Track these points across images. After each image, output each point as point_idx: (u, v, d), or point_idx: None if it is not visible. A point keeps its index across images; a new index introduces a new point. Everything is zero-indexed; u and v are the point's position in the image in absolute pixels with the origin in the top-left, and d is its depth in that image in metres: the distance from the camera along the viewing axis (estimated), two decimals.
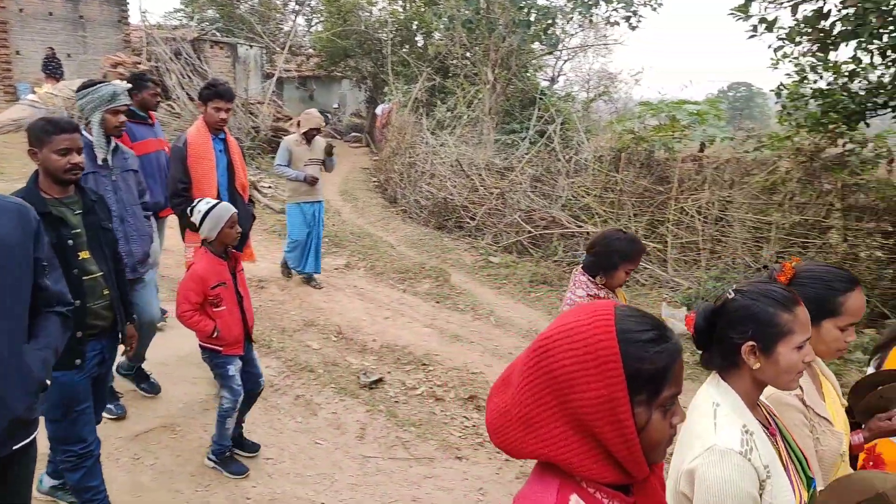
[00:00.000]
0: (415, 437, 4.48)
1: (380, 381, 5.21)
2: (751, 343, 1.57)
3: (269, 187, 11.61)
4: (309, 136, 6.77)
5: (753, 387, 1.62)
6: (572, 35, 15.34)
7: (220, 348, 3.62)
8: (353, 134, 20.00)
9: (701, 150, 9.11)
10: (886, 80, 6.43)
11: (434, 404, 4.98)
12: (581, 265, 3.01)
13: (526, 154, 10.19)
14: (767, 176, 8.01)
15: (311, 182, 6.81)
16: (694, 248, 8.11)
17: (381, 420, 4.66)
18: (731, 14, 6.63)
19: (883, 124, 7.62)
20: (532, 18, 11.58)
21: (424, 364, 5.62)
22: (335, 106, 23.21)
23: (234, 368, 3.70)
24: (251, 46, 18.57)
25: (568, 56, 16.24)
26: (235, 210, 3.62)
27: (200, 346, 3.67)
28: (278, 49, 19.51)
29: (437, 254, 9.24)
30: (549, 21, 12.40)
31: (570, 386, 1.09)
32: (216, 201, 3.65)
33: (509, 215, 9.51)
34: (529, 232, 9.15)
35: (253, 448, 4.03)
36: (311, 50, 22.35)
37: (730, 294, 1.62)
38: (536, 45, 14.17)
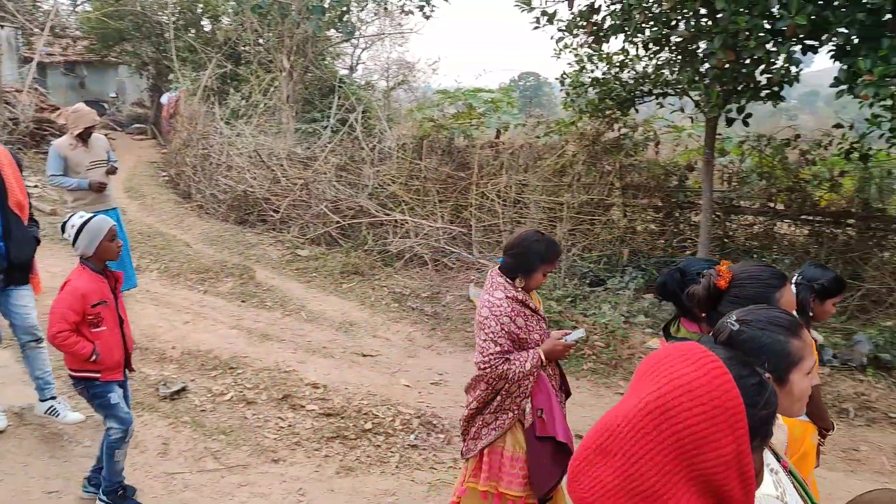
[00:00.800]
0: (225, 446, 4.16)
1: (182, 390, 4.78)
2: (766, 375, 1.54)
3: (36, 186, 10.19)
4: (84, 136, 5.82)
5: None
6: (368, 23, 15.32)
7: (98, 374, 3.23)
8: (137, 125, 18.26)
9: (497, 137, 9.53)
10: (650, 70, 7.14)
11: (245, 408, 4.67)
12: (498, 267, 2.95)
13: (328, 143, 9.96)
14: (557, 159, 8.58)
15: (98, 189, 5.84)
16: (496, 230, 8.48)
17: (186, 432, 4.27)
18: (517, 6, 6.95)
19: (650, 110, 8.49)
20: (326, 4, 11.32)
21: (232, 367, 5.25)
22: (112, 95, 21.03)
23: (117, 395, 3.32)
24: (2, 27, 16.15)
25: (366, 44, 16.21)
26: (113, 222, 3.32)
27: (72, 376, 3.28)
28: (37, 30, 17.18)
29: (239, 250, 8.72)
30: (344, 8, 12.22)
31: (699, 447, 0.98)
32: (90, 214, 3.31)
33: (315, 206, 9.24)
34: (337, 222, 8.97)
35: None
36: (78, 32, 19.97)
37: (733, 325, 1.50)
38: (333, 33, 13.91)
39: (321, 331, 6.39)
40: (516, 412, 2.81)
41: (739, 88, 5.90)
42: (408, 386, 5.43)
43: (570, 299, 7.00)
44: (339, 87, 11.56)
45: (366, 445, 4.36)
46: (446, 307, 7.15)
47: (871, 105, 7.10)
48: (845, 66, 5.10)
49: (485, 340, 2.75)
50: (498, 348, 2.73)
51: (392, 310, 7.08)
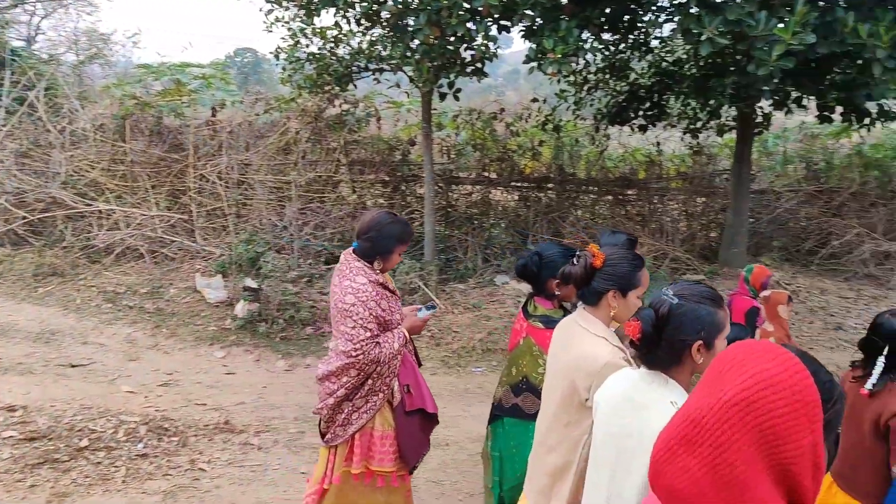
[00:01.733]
0: None
1: None
2: (700, 342, 1.69)
3: None
4: None
5: (689, 380, 1.74)
6: None
7: None
8: None
9: (213, 115, 8.92)
10: (364, 46, 7.23)
11: None
12: (353, 250, 2.83)
13: (2, 126, 8.41)
14: (280, 137, 8.32)
15: None
16: (220, 215, 7.97)
17: None
18: None
19: (369, 86, 8.65)
20: None
21: None
22: None
23: None
24: None
25: (45, 11, 13.98)
26: None
27: None
28: None
29: None
30: None
31: (780, 438, 1.04)
32: None
33: None
34: (24, 217, 7.65)
35: None
36: None
37: (672, 300, 1.70)
38: None
39: (14, 345, 5.42)
40: (386, 392, 2.84)
41: (447, 64, 6.25)
42: (131, 392, 4.86)
43: (306, 279, 6.87)
44: (13, 60, 9.81)
45: (83, 465, 3.79)
46: (171, 302, 6.55)
47: (558, 81, 8.08)
48: (533, 46, 5.67)
49: (353, 328, 2.70)
50: (368, 333, 2.71)
51: (104, 311, 6.27)
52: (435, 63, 6.08)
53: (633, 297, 2.20)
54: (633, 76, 8.30)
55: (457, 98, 6.80)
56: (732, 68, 6.36)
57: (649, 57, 8.12)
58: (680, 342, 1.70)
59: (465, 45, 6.02)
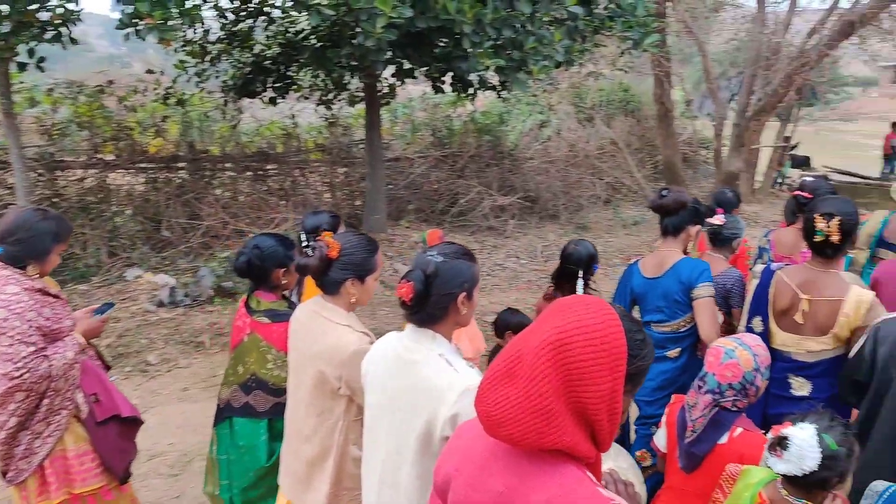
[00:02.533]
0: None
1: None
2: (464, 293, 1.86)
3: None
4: None
5: (452, 331, 1.93)
6: None
7: None
8: None
9: None
10: None
11: None
12: None
13: None
14: None
15: None
16: None
17: None
18: None
19: None
20: None
21: None
22: None
23: None
24: None
25: None
26: None
27: None
28: None
29: None
30: None
31: (583, 379, 1.18)
32: None
33: None
34: None
35: None
36: None
37: (437, 258, 1.84)
38: None
39: None
40: (70, 407, 2.57)
41: (19, 28, 5.18)
42: None
43: None
44: None
45: None
46: None
47: (175, 51, 7.35)
48: (128, 10, 4.98)
49: (11, 345, 2.38)
50: (32, 349, 2.41)
51: None
52: (3, 27, 4.99)
53: (371, 280, 2.28)
54: (258, 47, 7.99)
55: (41, 69, 5.71)
56: (352, 41, 6.48)
57: (272, 27, 7.88)
58: (447, 296, 1.84)
59: (39, 5, 5.04)
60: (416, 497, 1.84)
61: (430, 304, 1.84)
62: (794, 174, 17.90)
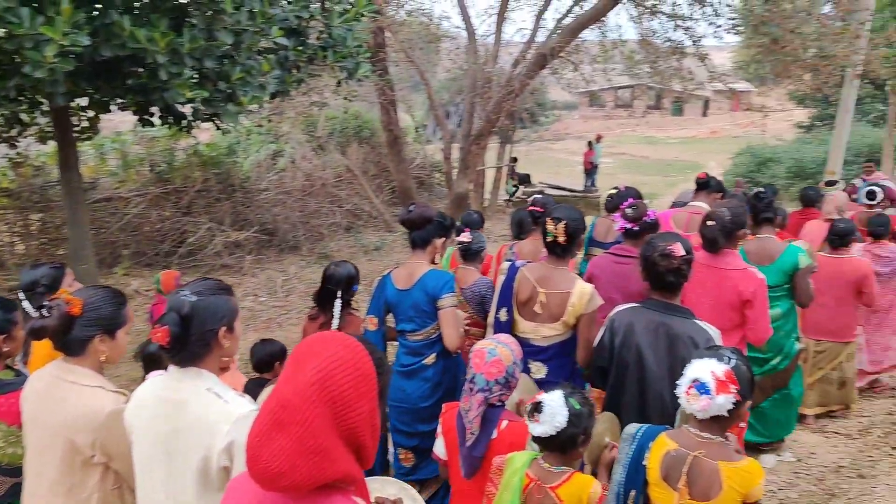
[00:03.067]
0: None
1: None
2: (224, 327, 1.89)
3: None
4: None
5: (218, 364, 1.94)
6: None
7: None
8: None
9: None
10: None
11: None
12: None
13: None
14: None
15: None
16: None
17: None
18: None
19: None
20: None
21: None
22: None
23: None
24: None
25: None
26: None
27: None
28: None
29: None
30: None
31: (348, 406, 1.29)
32: None
33: None
34: None
35: None
36: None
37: (191, 297, 1.84)
38: None
39: None
40: None
41: None
42: None
43: None
44: None
45: None
46: None
47: None
48: None
49: None
50: None
51: None
52: None
53: (122, 335, 2.16)
54: None
55: None
56: (20, 69, 5.55)
57: None
58: (209, 332, 1.85)
59: None
60: None
61: (192, 344, 1.85)
62: (519, 191, 19.72)
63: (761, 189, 4.56)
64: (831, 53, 8.74)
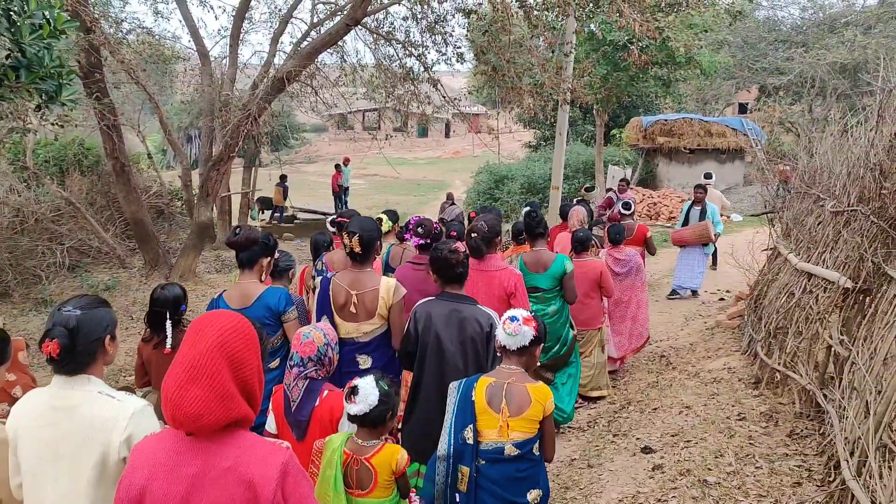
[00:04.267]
0: None
1: None
2: (109, 335, 2.16)
3: None
4: None
5: (103, 370, 2.22)
6: None
7: None
8: None
9: None
10: None
11: None
12: None
13: None
14: None
15: None
16: None
17: None
18: None
19: None
20: None
21: None
22: None
23: None
24: None
25: None
26: None
27: None
28: None
29: None
30: None
31: (242, 363, 1.67)
32: None
33: None
34: None
35: None
36: None
37: (75, 312, 2.09)
38: None
39: None
40: None
41: None
42: None
43: None
44: None
45: None
46: None
47: None
48: None
49: None
50: None
51: None
52: None
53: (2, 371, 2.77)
54: None
55: None
56: None
57: None
58: (95, 342, 2.12)
59: None
60: None
61: (80, 354, 2.09)
62: (268, 215, 19.11)
63: (532, 210, 5.27)
64: (542, 82, 9.79)
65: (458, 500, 2.82)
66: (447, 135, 50.02)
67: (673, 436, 4.55)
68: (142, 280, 10.56)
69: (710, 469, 3.88)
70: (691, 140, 19.64)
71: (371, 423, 2.64)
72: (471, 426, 2.81)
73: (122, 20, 11.44)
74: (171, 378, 1.63)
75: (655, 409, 5.27)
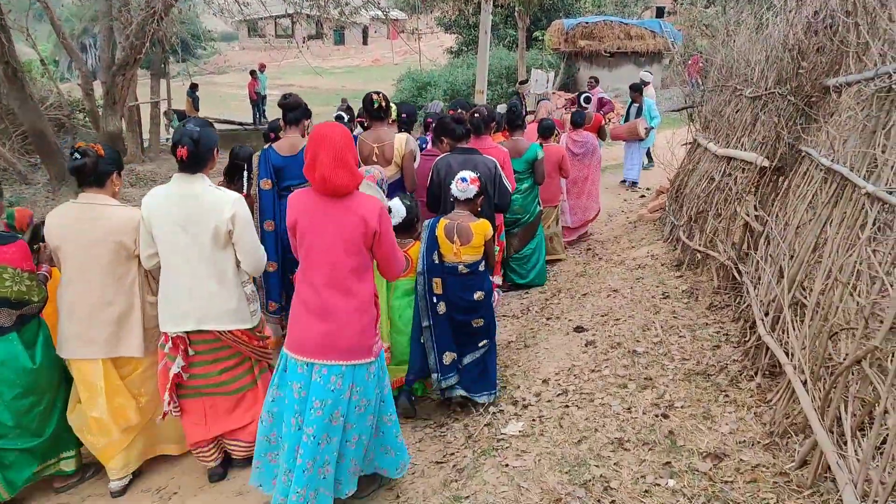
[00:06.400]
0: None
1: None
2: (216, 148, 3.14)
3: None
4: None
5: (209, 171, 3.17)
6: None
7: None
8: None
9: None
10: None
11: None
12: None
13: None
14: None
15: None
16: None
17: None
18: None
19: None
20: None
21: None
22: None
23: None
24: None
25: None
26: None
27: None
28: None
29: None
30: None
31: (353, 152, 2.72)
32: None
33: None
34: None
35: None
36: None
37: (196, 128, 3.04)
38: None
39: None
40: None
41: None
42: None
43: None
44: None
45: None
46: None
47: None
48: None
49: None
50: None
51: None
52: None
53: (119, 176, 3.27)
54: None
55: None
56: None
57: None
58: (208, 151, 3.02)
59: None
60: (215, 276, 3.04)
61: (200, 157, 2.98)
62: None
63: (513, 105, 6.34)
64: None
65: (435, 300, 3.73)
66: (365, 41, 48.24)
67: (603, 315, 4.79)
68: (48, 195, 9.94)
69: (638, 341, 4.13)
70: (612, 43, 19.72)
71: (404, 228, 3.78)
72: (436, 252, 3.75)
73: None
74: (322, 165, 2.55)
75: (585, 294, 5.51)
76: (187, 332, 3.05)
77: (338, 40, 43.57)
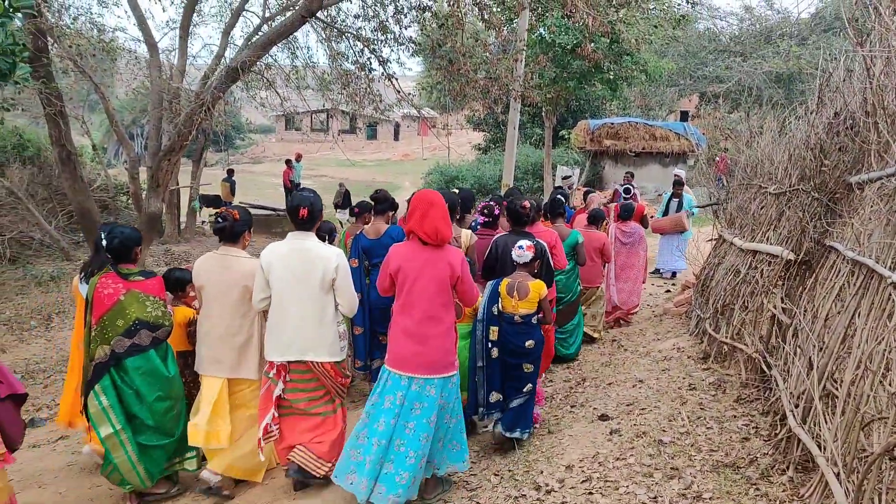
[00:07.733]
0: None
1: None
2: (321, 211, 4.06)
3: None
4: None
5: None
6: None
7: None
8: None
9: None
10: None
11: None
12: None
13: None
14: None
15: None
16: None
17: None
18: None
19: None
20: None
21: None
22: None
23: None
24: None
25: None
26: None
27: None
28: None
29: None
30: None
31: (444, 208, 3.72)
32: None
33: None
34: None
35: None
36: None
37: (311, 195, 3.93)
38: None
39: None
40: None
41: None
42: None
43: None
44: None
45: None
46: None
47: None
48: None
49: None
50: None
51: None
52: None
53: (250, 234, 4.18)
54: None
55: None
56: None
57: None
58: (319, 212, 3.92)
59: None
60: (318, 315, 3.76)
61: (313, 218, 3.79)
62: (206, 212, 18.74)
63: (558, 196, 7.09)
64: (497, 75, 9.98)
65: (490, 346, 4.35)
66: (396, 137, 50.02)
67: (628, 405, 4.73)
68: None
69: (664, 431, 4.06)
70: (636, 143, 20.24)
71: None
72: (496, 305, 4.37)
73: (68, 6, 11.06)
74: (434, 220, 3.51)
75: (610, 383, 5.45)
76: (288, 362, 3.76)
77: (370, 135, 45.28)
